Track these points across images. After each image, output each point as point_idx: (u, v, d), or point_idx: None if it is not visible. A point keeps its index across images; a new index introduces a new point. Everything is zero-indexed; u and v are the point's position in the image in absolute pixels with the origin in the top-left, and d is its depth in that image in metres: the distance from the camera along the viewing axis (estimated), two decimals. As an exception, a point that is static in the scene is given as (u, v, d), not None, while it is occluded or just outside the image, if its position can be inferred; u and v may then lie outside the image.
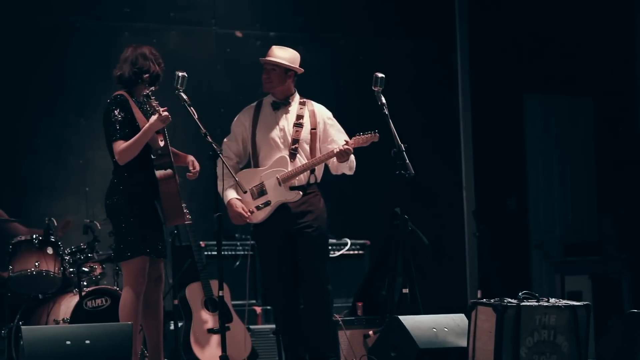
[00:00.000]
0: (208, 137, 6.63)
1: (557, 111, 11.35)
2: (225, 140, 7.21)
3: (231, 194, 7.02)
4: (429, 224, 9.26)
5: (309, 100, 7.18)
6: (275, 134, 7.07)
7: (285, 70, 7.07)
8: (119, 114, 6.55)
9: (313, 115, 7.10)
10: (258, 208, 7.06)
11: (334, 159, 6.99)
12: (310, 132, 7.07)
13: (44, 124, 9.16)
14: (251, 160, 7.16)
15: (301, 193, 7.00)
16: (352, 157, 7.02)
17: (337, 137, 7.05)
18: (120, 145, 6.52)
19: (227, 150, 7.14)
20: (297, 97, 7.16)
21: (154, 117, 6.45)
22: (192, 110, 6.66)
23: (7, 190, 8.83)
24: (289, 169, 7.00)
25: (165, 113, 6.44)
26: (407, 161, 6.94)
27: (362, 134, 6.95)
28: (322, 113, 7.16)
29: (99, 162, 9.09)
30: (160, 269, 6.77)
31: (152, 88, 6.53)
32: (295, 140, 7.04)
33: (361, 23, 10.45)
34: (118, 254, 6.67)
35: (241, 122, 7.18)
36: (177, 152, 6.83)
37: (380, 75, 7.08)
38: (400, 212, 7.66)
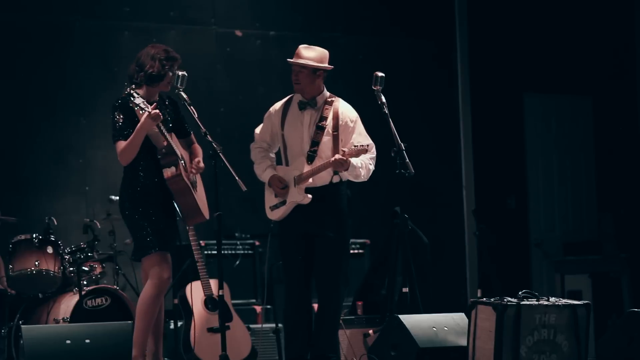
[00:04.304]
0: (208, 136, 6.63)
1: (557, 110, 11.35)
2: (256, 130, 7.18)
3: (267, 175, 7.04)
4: (429, 223, 9.25)
5: (337, 99, 7.09)
6: (299, 134, 7.01)
7: (313, 70, 7.00)
8: (118, 115, 6.54)
9: (336, 116, 7.00)
10: (276, 206, 7.04)
11: None
12: (332, 135, 6.99)
13: (44, 124, 9.16)
14: (282, 157, 7.13)
15: (310, 196, 6.91)
16: (359, 166, 6.89)
17: (356, 141, 6.94)
18: (120, 145, 6.52)
19: (258, 141, 7.15)
20: (325, 95, 7.07)
21: (144, 116, 6.41)
22: (192, 109, 6.65)
23: (7, 190, 8.83)
24: (304, 171, 6.99)
25: (155, 111, 6.40)
26: (407, 160, 6.94)
27: (355, 146, 6.87)
28: (346, 114, 7.04)
29: (99, 161, 9.10)
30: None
31: (133, 86, 6.49)
32: (315, 143, 6.97)
33: (361, 22, 10.45)
34: (136, 253, 6.65)
35: (271, 119, 7.12)
36: (195, 146, 6.83)
37: (380, 74, 7.07)
38: (400, 211, 7.65)
